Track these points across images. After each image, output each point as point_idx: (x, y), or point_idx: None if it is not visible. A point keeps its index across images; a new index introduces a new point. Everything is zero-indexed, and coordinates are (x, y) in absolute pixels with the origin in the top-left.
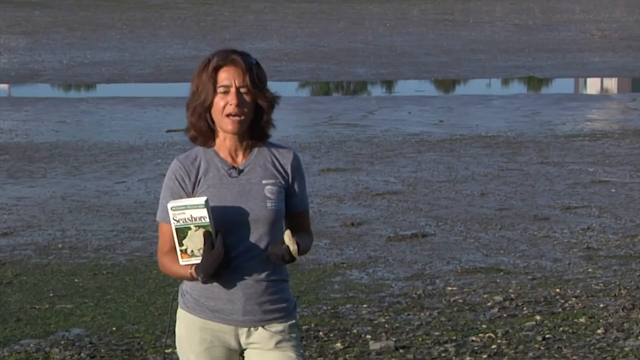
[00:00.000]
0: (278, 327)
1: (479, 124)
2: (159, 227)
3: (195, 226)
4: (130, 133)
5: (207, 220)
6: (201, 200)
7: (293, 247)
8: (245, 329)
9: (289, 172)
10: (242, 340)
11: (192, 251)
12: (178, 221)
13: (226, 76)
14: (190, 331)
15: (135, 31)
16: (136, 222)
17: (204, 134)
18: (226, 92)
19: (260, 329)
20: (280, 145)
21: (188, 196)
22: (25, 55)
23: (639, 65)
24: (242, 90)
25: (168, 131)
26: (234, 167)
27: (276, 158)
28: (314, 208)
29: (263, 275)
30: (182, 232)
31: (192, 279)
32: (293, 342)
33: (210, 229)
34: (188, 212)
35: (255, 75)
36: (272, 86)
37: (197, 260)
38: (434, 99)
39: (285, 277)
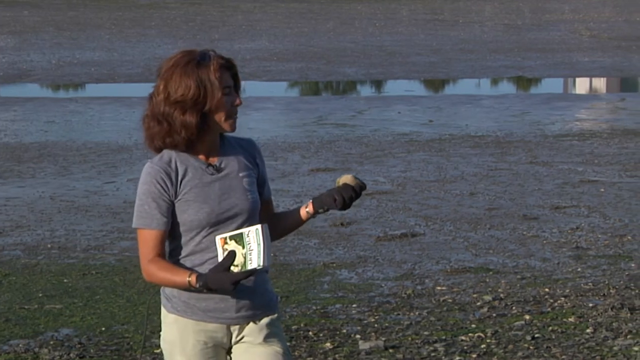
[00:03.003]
0: (266, 320)
1: (469, 124)
2: (139, 233)
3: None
4: (119, 133)
5: (251, 247)
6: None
7: (361, 182)
8: (238, 326)
9: (257, 162)
10: (234, 337)
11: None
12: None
13: (228, 77)
14: (184, 334)
15: (124, 31)
16: (125, 222)
17: (196, 134)
18: (229, 93)
19: (251, 323)
20: (239, 137)
21: (171, 199)
22: (13, 55)
23: (628, 65)
24: (233, 90)
25: None
26: (210, 165)
27: (244, 150)
28: None
29: None
30: (239, 240)
31: (185, 287)
32: (279, 335)
33: (242, 252)
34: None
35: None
36: (262, 86)
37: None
38: (424, 98)
39: (267, 268)
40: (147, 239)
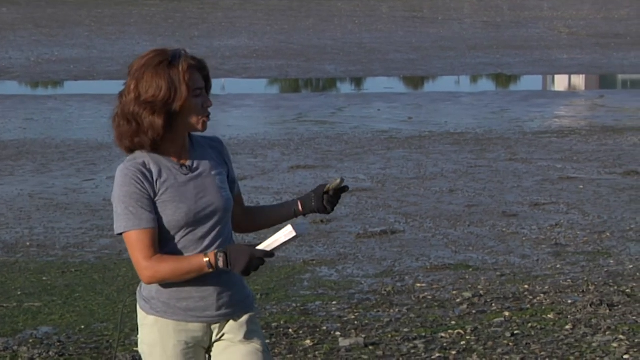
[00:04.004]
0: (245, 317)
1: (448, 121)
2: (128, 238)
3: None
4: (98, 130)
5: (280, 240)
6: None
7: (339, 181)
8: (218, 325)
9: (225, 159)
10: (214, 336)
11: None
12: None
13: (198, 78)
14: (165, 335)
15: (104, 28)
16: (105, 220)
17: (161, 135)
18: (200, 95)
19: (230, 321)
20: (206, 136)
21: (152, 199)
22: None
23: (606, 62)
24: (204, 92)
25: None
26: (183, 165)
27: (212, 149)
28: None
29: None
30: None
31: (200, 270)
32: (258, 332)
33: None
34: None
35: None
36: (241, 83)
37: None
38: (403, 96)
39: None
40: (141, 239)
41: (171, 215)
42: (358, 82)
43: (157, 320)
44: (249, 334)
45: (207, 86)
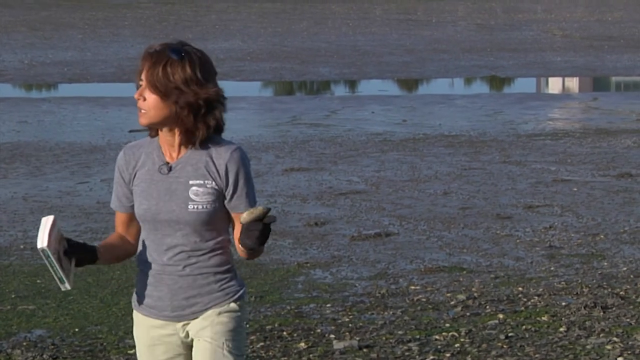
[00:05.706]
0: (211, 312)
1: (442, 124)
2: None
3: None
4: (92, 133)
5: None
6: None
7: (257, 210)
8: (181, 323)
9: (222, 172)
10: (182, 334)
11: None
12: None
13: (142, 70)
14: (140, 329)
15: (97, 31)
16: (99, 223)
17: (152, 131)
18: (139, 86)
19: (198, 320)
20: (222, 143)
21: (128, 187)
22: None
23: (600, 65)
24: (144, 85)
25: (130, 131)
26: (166, 164)
27: (211, 157)
28: (277, 208)
29: (187, 270)
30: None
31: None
32: (230, 329)
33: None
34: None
35: (158, 72)
36: (235, 86)
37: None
38: (397, 98)
39: (218, 270)
40: (115, 216)
41: (137, 207)
42: (352, 84)
43: (136, 315)
44: (210, 331)
45: (150, 78)
